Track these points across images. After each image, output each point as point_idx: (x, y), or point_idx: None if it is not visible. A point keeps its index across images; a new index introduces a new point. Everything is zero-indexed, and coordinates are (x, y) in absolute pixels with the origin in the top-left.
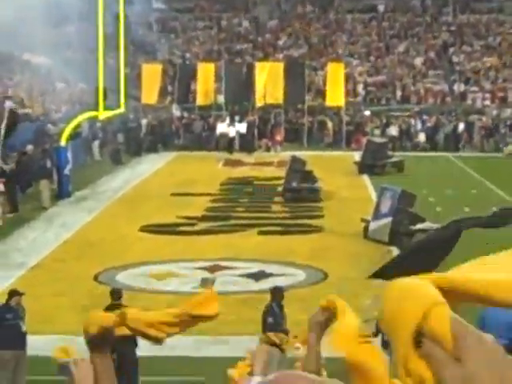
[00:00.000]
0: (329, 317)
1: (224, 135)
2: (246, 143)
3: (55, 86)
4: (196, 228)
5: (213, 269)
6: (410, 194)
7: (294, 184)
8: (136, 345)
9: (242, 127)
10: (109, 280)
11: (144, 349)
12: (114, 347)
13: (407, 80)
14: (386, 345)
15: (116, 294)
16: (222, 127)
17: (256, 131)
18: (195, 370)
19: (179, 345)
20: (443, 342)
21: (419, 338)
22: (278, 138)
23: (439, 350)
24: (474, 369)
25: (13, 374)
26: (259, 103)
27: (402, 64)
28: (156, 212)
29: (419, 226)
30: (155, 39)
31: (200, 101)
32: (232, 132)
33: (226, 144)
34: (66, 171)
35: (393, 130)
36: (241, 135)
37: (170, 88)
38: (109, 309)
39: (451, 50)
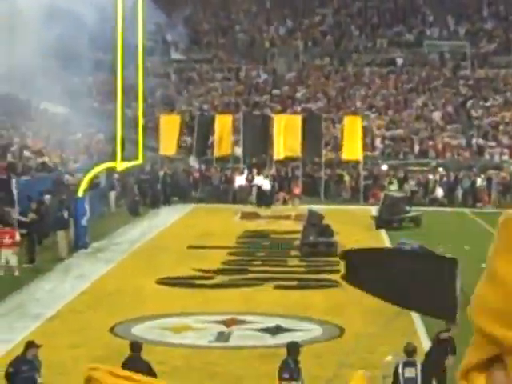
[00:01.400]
0: None
1: (242, 188)
2: (264, 196)
3: (73, 135)
4: (212, 281)
5: (229, 322)
6: (428, 250)
7: (311, 238)
8: None
9: (259, 180)
10: (125, 332)
11: None
12: None
13: (425, 134)
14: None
15: (135, 346)
16: (240, 180)
17: (274, 184)
18: None
19: None
20: None
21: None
22: (296, 191)
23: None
24: None
25: None
26: (277, 156)
27: (419, 118)
28: (173, 264)
29: None
30: (173, 90)
31: (217, 153)
32: (248, 185)
33: (256, 196)
34: (84, 222)
35: (410, 185)
36: (258, 188)
37: (187, 139)
38: (127, 361)
39: (469, 104)
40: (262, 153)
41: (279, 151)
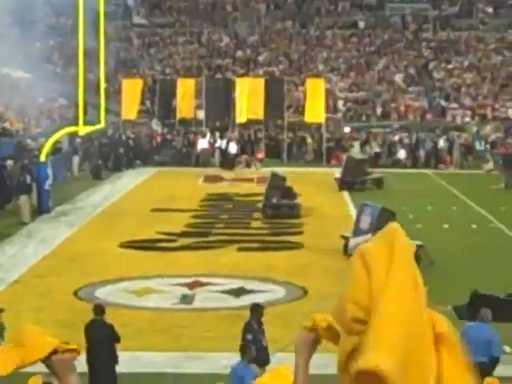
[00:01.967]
0: (316, 338)
1: (205, 151)
2: (226, 159)
3: (35, 100)
4: (176, 244)
5: (193, 285)
6: (390, 211)
7: (274, 200)
8: (115, 361)
9: (224, 143)
10: (88, 296)
11: (122, 365)
12: (92, 363)
13: (387, 96)
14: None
15: (98, 309)
16: (202, 143)
17: (236, 147)
18: None
19: (157, 361)
20: None
21: None
22: (259, 154)
23: None
24: None
25: None
26: (239, 119)
27: (382, 80)
28: (136, 228)
29: None
30: (135, 54)
31: (180, 116)
32: (210, 147)
33: (206, 160)
34: (46, 186)
35: (373, 147)
36: (222, 151)
37: (149, 103)
38: (90, 324)
39: (431, 66)
40: (225, 116)
41: (242, 114)
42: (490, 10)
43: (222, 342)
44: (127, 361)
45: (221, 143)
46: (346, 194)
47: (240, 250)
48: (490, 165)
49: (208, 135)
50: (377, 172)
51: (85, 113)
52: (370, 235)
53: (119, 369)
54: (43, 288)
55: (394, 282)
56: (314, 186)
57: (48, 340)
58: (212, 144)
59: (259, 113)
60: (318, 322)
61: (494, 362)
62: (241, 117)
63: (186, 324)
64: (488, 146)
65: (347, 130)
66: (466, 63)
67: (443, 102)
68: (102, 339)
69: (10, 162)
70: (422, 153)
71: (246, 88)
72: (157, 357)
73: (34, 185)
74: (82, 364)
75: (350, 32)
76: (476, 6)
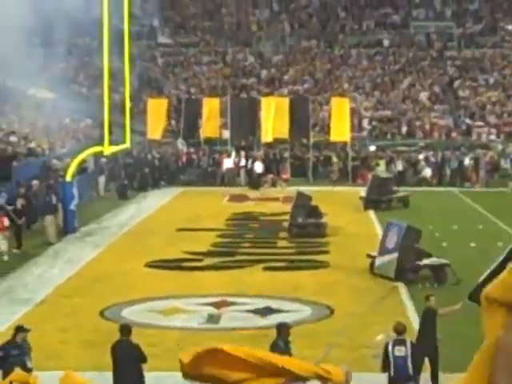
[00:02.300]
0: None
1: (230, 170)
2: (252, 178)
3: (60, 120)
4: (202, 263)
5: (219, 304)
6: (416, 230)
7: (300, 219)
8: (142, 382)
9: (247, 162)
10: (114, 316)
11: None
12: None
13: (412, 115)
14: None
15: (125, 329)
16: (228, 162)
17: (262, 166)
18: None
19: (184, 381)
20: None
21: None
22: (284, 173)
23: None
24: None
25: None
26: (264, 138)
27: (407, 99)
28: (162, 247)
29: (425, 261)
30: (160, 74)
31: (205, 136)
32: (236, 167)
33: (231, 179)
34: (72, 206)
35: (398, 165)
36: (246, 170)
37: (175, 123)
38: (117, 344)
39: (456, 84)
40: (250, 135)
41: (267, 134)
42: None
43: None
44: (154, 381)
45: (246, 163)
46: (371, 213)
47: (266, 269)
48: None
49: (233, 154)
50: (402, 191)
51: (110, 133)
52: (396, 254)
53: None
54: (69, 308)
55: None
56: (340, 205)
57: None
58: (237, 163)
59: (284, 132)
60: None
61: None
62: (266, 136)
63: (213, 344)
64: None
65: (372, 148)
66: (490, 81)
67: (468, 120)
68: (128, 360)
69: (35, 182)
70: (447, 171)
71: (271, 107)
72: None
73: (59, 205)
74: None
75: (375, 50)
76: (500, 23)
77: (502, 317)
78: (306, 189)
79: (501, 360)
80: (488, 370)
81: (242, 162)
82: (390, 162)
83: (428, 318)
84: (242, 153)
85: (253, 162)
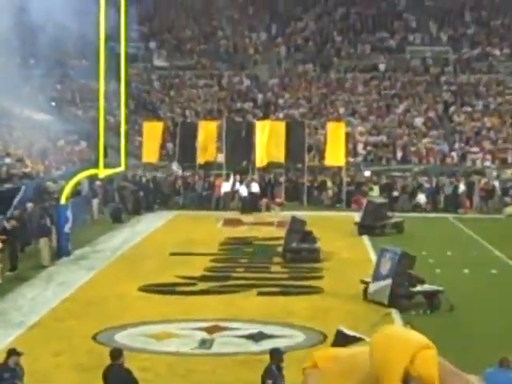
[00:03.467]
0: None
1: (227, 195)
2: (246, 203)
3: (55, 142)
4: (195, 288)
5: (212, 330)
6: (410, 256)
7: (294, 244)
8: None
9: (242, 187)
10: (107, 340)
11: None
12: None
13: (407, 140)
14: None
15: (116, 353)
16: (226, 186)
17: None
18: None
19: None
20: None
21: (408, 381)
22: (279, 198)
23: None
24: None
25: None
26: (259, 163)
27: (402, 124)
28: (155, 272)
29: (419, 288)
30: (156, 97)
31: (201, 159)
32: (244, 192)
33: (226, 203)
34: (66, 229)
35: (393, 191)
36: (240, 195)
37: (170, 146)
38: (108, 369)
39: (451, 109)
40: (245, 159)
41: (262, 158)
42: (510, 52)
43: None
44: None
45: (240, 187)
46: (365, 239)
47: (260, 294)
48: (510, 209)
49: (231, 178)
50: (397, 216)
51: (105, 155)
52: (389, 280)
53: None
54: (62, 332)
55: None
56: (334, 230)
57: None
58: (232, 187)
59: (280, 156)
60: (317, 358)
61: None
62: (261, 160)
63: (205, 369)
64: (509, 189)
65: (367, 173)
66: (486, 106)
67: (463, 146)
68: (120, 383)
69: (30, 205)
70: (442, 197)
71: (266, 131)
72: None
73: (53, 228)
74: None
75: (371, 75)
76: (494, 49)
77: None
78: (300, 213)
79: None
80: None
81: (236, 186)
82: (384, 187)
83: None
84: (237, 177)
85: (248, 186)
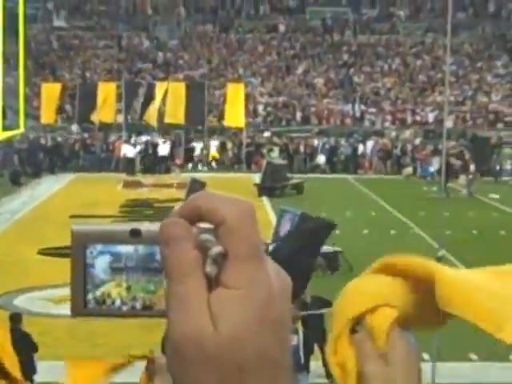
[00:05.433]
0: None
1: (127, 156)
2: (147, 164)
3: None
4: None
5: None
6: (310, 217)
7: None
8: (34, 371)
9: (142, 148)
10: (6, 304)
11: (41, 374)
12: None
13: (307, 100)
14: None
15: (15, 317)
16: (126, 148)
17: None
18: None
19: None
20: (377, 339)
21: (355, 328)
22: (178, 159)
23: (370, 343)
24: (395, 372)
25: None
26: (160, 123)
27: (302, 84)
28: (55, 235)
29: None
30: (55, 58)
31: (101, 121)
32: (132, 153)
33: (127, 165)
34: None
35: (293, 152)
36: (142, 156)
37: (69, 107)
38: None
39: (351, 70)
40: (144, 120)
41: (162, 118)
42: (409, 13)
43: (143, 349)
44: (45, 370)
45: (141, 148)
46: (265, 200)
47: None
48: (409, 170)
49: (132, 140)
50: (296, 177)
51: (3, 117)
52: None
53: (37, 378)
54: None
55: None
56: (234, 191)
57: None
58: (134, 149)
59: (179, 117)
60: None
61: None
62: (161, 121)
63: (106, 332)
64: (408, 150)
65: (267, 134)
66: (385, 67)
67: (363, 107)
68: (19, 348)
69: None
70: (341, 158)
71: (166, 92)
72: (77, 363)
73: None
74: None
75: (270, 36)
76: (395, 10)
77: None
78: (200, 175)
79: None
80: None
81: (137, 148)
82: (284, 148)
83: (319, 306)
84: (138, 138)
85: (154, 147)
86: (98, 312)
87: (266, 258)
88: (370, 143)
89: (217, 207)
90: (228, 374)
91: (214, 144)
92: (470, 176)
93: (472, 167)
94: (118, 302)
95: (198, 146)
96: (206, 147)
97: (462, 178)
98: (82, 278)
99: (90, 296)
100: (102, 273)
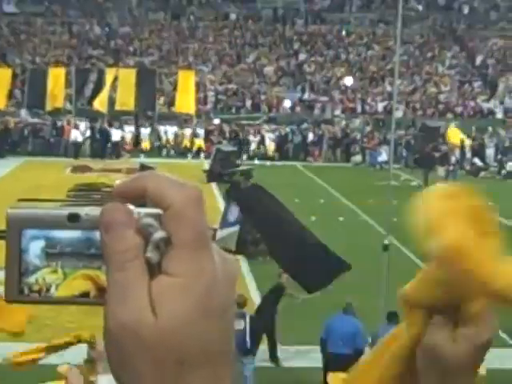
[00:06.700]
0: None
1: (75, 141)
2: (96, 149)
3: None
4: None
5: None
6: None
7: None
8: None
9: (92, 133)
10: None
11: None
12: None
13: (257, 88)
14: None
15: None
16: (75, 133)
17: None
18: None
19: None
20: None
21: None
22: (128, 145)
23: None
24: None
25: None
26: (110, 109)
27: (252, 72)
28: (1, 219)
29: None
30: (5, 43)
31: (50, 106)
32: (81, 138)
33: (75, 150)
34: None
35: (242, 139)
36: (91, 141)
37: (19, 93)
38: None
39: (302, 59)
40: (94, 106)
41: (112, 105)
42: (361, 3)
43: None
44: None
45: (91, 133)
46: (214, 186)
47: None
48: (358, 158)
49: (82, 125)
50: (246, 164)
51: None
52: (237, 227)
53: None
54: None
55: None
56: (183, 177)
57: None
58: (83, 134)
59: (130, 103)
60: None
61: (359, 354)
62: (111, 107)
63: (50, 315)
64: (357, 139)
65: (217, 121)
66: (336, 57)
67: (313, 95)
68: None
69: None
70: (291, 146)
71: (116, 78)
72: (20, 347)
73: None
74: None
75: (222, 24)
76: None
77: (420, 317)
78: (149, 161)
79: (425, 362)
80: (399, 370)
81: (88, 133)
82: (234, 135)
83: (276, 293)
84: (88, 123)
85: (103, 132)
86: (32, 299)
87: (212, 245)
88: (319, 131)
89: (164, 190)
90: (167, 367)
91: (166, 130)
92: (451, 167)
93: (453, 159)
94: (53, 289)
95: (147, 132)
96: (157, 133)
97: (441, 170)
98: (16, 264)
99: (24, 282)
100: (35, 258)
